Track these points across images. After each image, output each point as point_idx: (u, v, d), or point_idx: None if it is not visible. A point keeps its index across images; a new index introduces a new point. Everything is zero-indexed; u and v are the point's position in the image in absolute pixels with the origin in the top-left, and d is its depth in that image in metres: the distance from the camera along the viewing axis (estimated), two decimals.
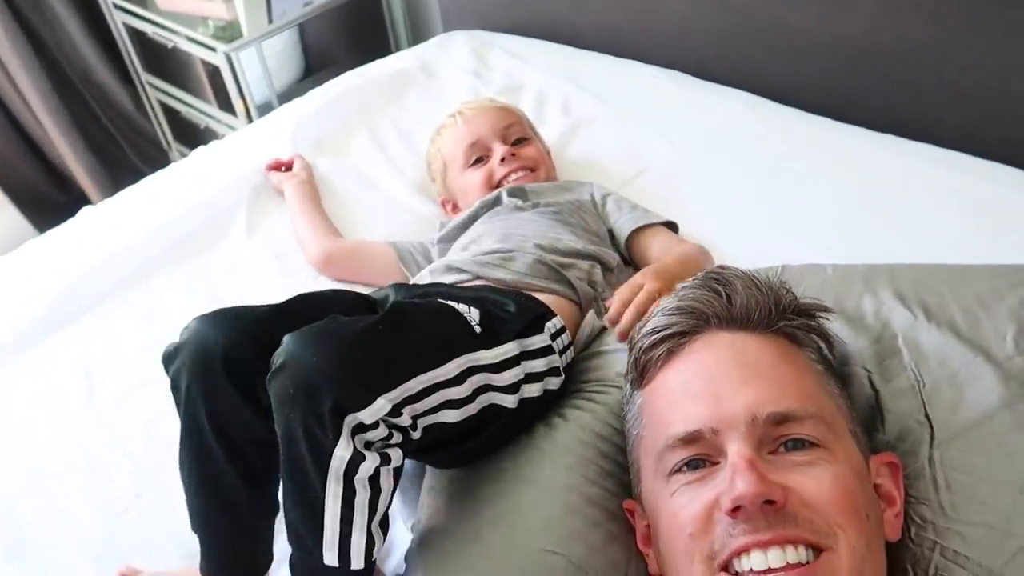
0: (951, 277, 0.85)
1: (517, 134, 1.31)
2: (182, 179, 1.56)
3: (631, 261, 1.19)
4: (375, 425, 0.70)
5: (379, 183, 1.47)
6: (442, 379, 0.76)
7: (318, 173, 1.49)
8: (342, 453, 0.69)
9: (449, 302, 0.85)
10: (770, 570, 0.57)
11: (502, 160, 1.26)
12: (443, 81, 1.74)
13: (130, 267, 1.34)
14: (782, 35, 1.47)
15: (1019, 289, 0.80)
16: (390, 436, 0.72)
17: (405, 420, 0.73)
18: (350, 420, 0.69)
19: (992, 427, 0.68)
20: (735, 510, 0.58)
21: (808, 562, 0.57)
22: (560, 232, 1.11)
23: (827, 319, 0.74)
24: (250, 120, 2.08)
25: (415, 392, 0.74)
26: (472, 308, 0.83)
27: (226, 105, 2.19)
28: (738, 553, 0.58)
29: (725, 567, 0.59)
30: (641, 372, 0.73)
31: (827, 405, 0.66)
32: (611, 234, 1.20)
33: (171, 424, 1.07)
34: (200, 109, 2.34)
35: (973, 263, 0.88)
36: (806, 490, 0.59)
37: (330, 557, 0.71)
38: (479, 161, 1.29)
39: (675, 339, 0.70)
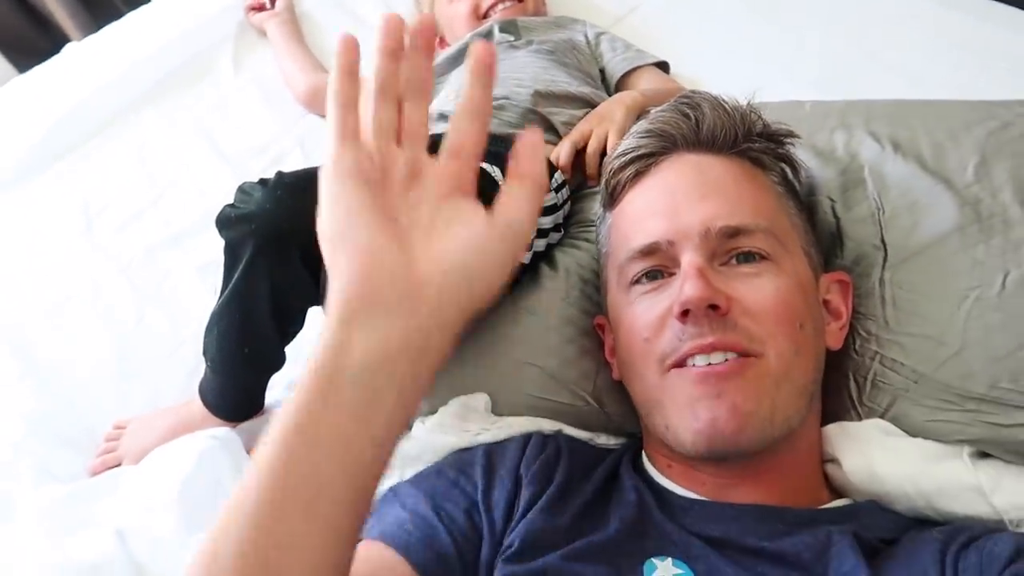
0: (926, 112, 0.86)
1: None
2: (166, 15, 1.53)
3: None
4: None
5: (364, 18, 1.44)
6: None
7: (301, 8, 1.46)
8: None
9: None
10: (710, 367, 0.62)
11: None
12: None
13: (120, 103, 1.35)
14: None
15: (989, 122, 0.81)
16: None
17: None
18: None
19: (941, 249, 0.72)
20: (684, 314, 0.63)
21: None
22: (555, 74, 1.10)
23: (793, 145, 0.76)
24: None
25: None
26: (494, 167, 0.84)
27: None
28: (686, 356, 0.63)
29: (674, 365, 0.64)
30: (611, 193, 0.77)
31: (781, 223, 0.70)
32: (603, 74, 1.20)
33: (169, 253, 1.13)
34: None
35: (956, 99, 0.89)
36: (748, 299, 0.64)
37: None
38: None
39: (643, 160, 0.73)
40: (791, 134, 0.76)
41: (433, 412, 0.81)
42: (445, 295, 0.42)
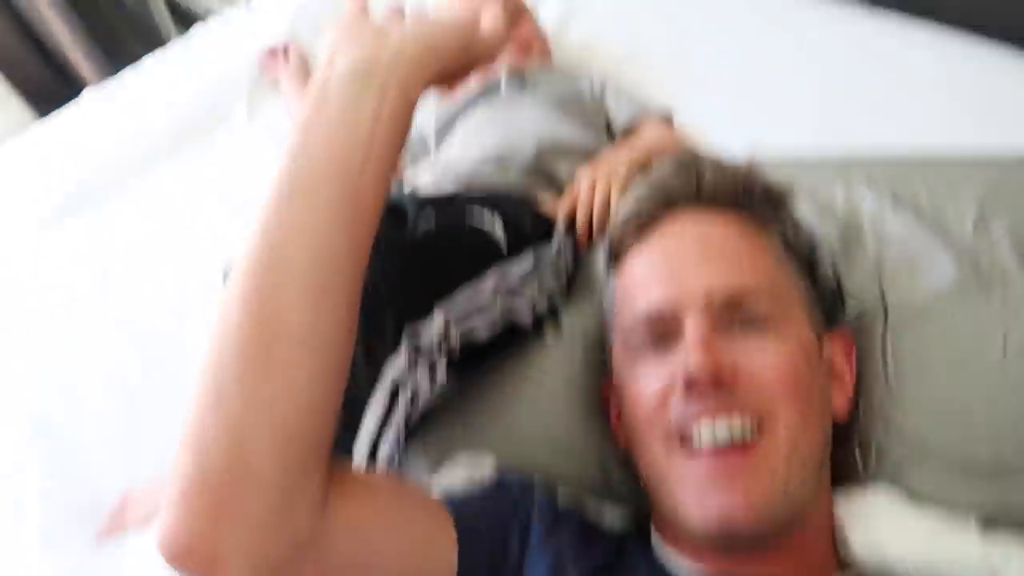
0: (926, 166, 0.86)
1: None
2: (182, 62, 1.56)
3: None
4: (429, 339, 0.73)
5: None
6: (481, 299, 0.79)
7: (320, 49, 1.49)
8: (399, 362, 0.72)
9: (476, 207, 0.85)
10: (716, 448, 0.61)
11: None
12: None
13: (135, 154, 1.38)
14: None
15: (988, 171, 0.81)
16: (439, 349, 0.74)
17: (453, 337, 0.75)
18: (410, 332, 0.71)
19: (941, 309, 0.71)
20: (689, 386, 0.62)
21: (749, 438, 0.61)
22: (561, 126, 1.12)
23: (793, 204, 0.76)
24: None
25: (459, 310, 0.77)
26: (495, 216, 0.85)
27: None
28: (690, 427, 0.62)
29: (681, 440, 0.63)
30: (615, 257, 0.76)
31: (783, 284, 0.69)
32: (608, 126, 1.21)
33: (177, 306, 1.14)
34: None
35: (955, 151, 0.89)
36: (752, 367, 0.62)
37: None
38: None
39: (643, 221, 0.73)
40: (790, 193, 0.75)
41: (439, 465, 0.82)
42: (409, 32, 0.56)
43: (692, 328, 0.64)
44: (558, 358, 0.83)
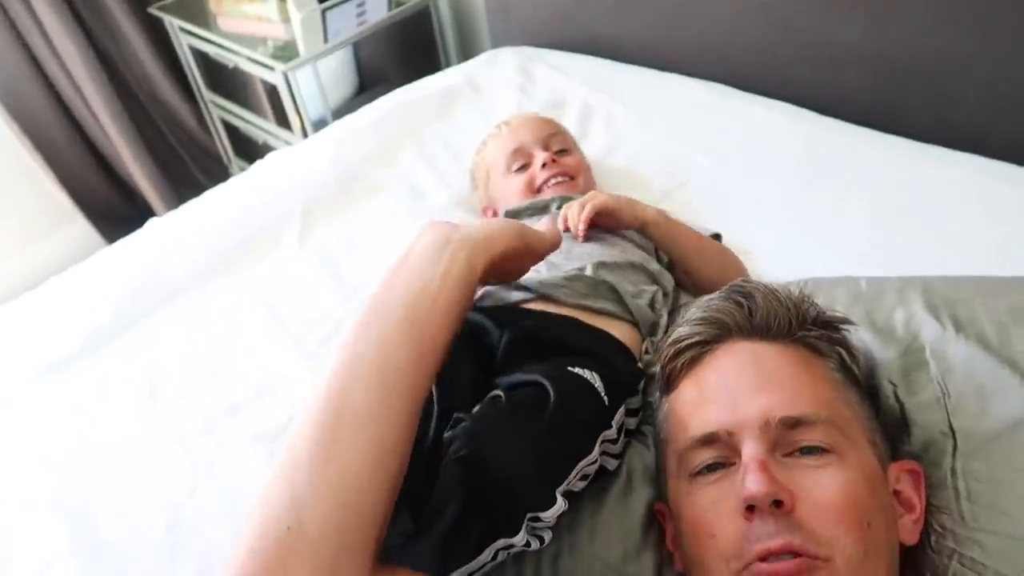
0: (985, 289, 0.85)
1: (559, 144, 1.35)
2: (240, 191, 1.63)
3: (675, 274, 1.20)
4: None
5: (425, 193, 1.52)
6: (590, 461, 0.78)
7: (366, 183, 1.55)
8: (517, 540, 0.71)
9: (578, 371, 0.84)
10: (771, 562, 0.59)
11: (543, 165, 1.30)
12: (490, 96, 1.79)
13: (188, 274, 1.41)
14: (824, 49, 1.47)
15: None
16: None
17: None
18: (532, 517, 0.71)
19: (1014, 438, 0.69)
20: (749, 510, 0.61)
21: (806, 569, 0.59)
22: (625, 248, 1.13)
23: (849, 331, 0.75)
24: (305, 135, 2.16)
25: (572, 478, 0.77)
26: (594, 374, 0.84)
27: (283, 121, 2.28)
28: (751, 562, 0.60)
29: (744, 569, 0.61)
30: (667, 379, 0.77)
31: (842, 413, 0.68)
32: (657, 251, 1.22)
33: (225, 423, 1.15)
34: (259, 125, 2.44)
35: (1014, 276, 0.88)
36: (812, 496, 0.61)
37: None
38: (521, 169, 1.32)
39: (697, 347, 0.74)
40: (846, 320, 0.76)
41: None
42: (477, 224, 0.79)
43: (749, 450, 0.64)
44: (614, 482, 0.82)
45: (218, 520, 1.02)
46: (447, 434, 0.75)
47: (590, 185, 1.36)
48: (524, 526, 0.71)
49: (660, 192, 1.40)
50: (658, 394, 0.80)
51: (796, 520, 0.60)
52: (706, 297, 0.78)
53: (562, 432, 0.77)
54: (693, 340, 0.74)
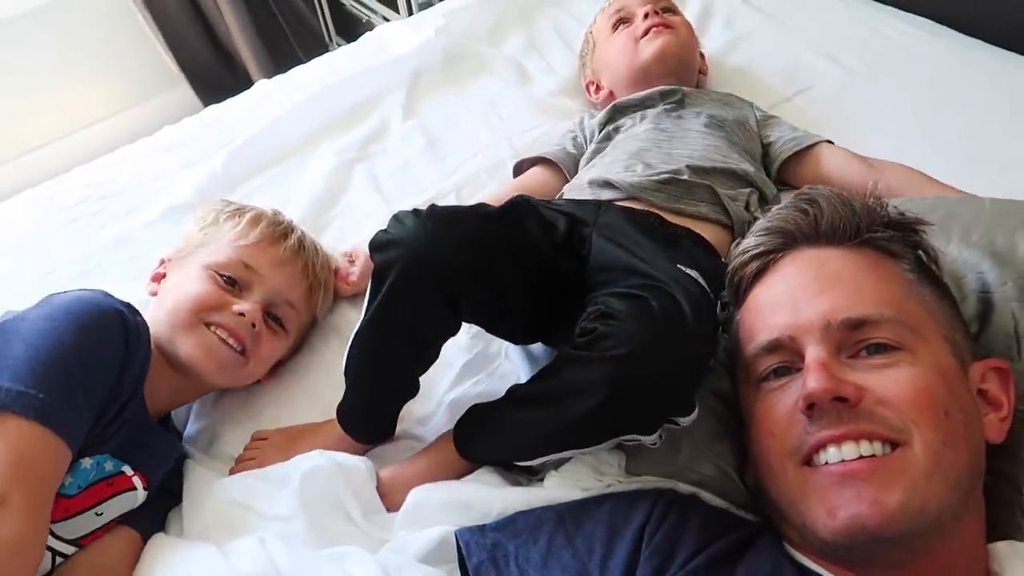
0: None
1: (664, 4, 1.32)
2: (349, 60, 1.63)
3: (787, 181, 1.17)
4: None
5: (532, 77, 1.50)
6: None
7: (473, 62, 1.54)
8: (648, 440, 0.77)
9: (685, 269, 0.84)
10: (844, 462, 0.60)
11: (645, 16, 1.28)
12: None
13: (295, 135, 1.44)
14: None
15: None
16: None
17: None
18: (671, 421, 0.77)
19: None
20: (809, 407, 0.62)
21: (880, 453, 0.60)
22: (726, 153, 1.10)
23: (924, 232, 0.74)
24: (411, 14, 2.13)
25: None
26: (695, 271, 0.85)
27: (390, 1, 2.25)
28: (815, 449, 0.62)
29: (807, 461, 0.63)
30: (736, 291, 0.79)
31: (914, 310, 0.67)
32: (765, 152, 1.18)
33: None
34: (364, 3, 2.41)
35: None
36: (882, 389, 0.62)
37: None
38: (623, 23, 1.30)
39: (763, 257, 0.75)
40: (920, 221, 0.74)
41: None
42: None
43: (812, 353, 0.65)
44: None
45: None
46: (591, 324, 0.77)
47: (694, 52, 1.32)
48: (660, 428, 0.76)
49: (777, 97, 1.35)
50: (729, 306, 0.81)
51: (863, 411, 0.61)
52: (774, 207, 0.78)
53: (701, 341, 0.78)
54: (759, 250, 0.75)
